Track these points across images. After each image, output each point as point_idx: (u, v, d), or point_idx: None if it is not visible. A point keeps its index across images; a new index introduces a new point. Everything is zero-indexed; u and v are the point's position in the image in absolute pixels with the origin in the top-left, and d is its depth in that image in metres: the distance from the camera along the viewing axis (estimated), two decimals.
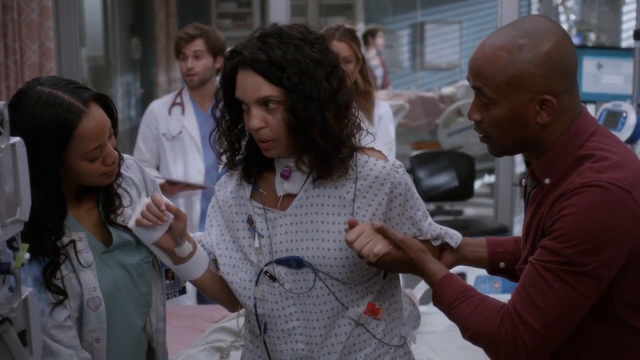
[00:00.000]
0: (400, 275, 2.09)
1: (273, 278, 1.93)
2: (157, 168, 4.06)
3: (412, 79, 10.39)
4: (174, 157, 4.02)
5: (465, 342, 1.82)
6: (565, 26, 8.65)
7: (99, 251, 2.00)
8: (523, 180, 1.88)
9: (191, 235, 2.16)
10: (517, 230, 5.40)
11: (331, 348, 1.94)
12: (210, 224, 2.05)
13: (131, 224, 1.94)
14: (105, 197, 2.03)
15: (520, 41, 1.71)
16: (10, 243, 1.54)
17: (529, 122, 1.73)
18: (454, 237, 2.03)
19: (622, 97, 3.76)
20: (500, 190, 5.07)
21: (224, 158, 2.01)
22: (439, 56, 10.33)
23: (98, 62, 6.91)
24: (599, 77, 4.14)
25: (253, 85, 1.83)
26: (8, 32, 4.26)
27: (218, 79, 4.09)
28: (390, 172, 1.90)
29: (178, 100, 4.07)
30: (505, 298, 3.04)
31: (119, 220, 2.03)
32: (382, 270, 1.94)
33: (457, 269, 2.21)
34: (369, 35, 8.82)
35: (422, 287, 3.53)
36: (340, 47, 3.53)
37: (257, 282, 1.94)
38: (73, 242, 1.95)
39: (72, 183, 1.96)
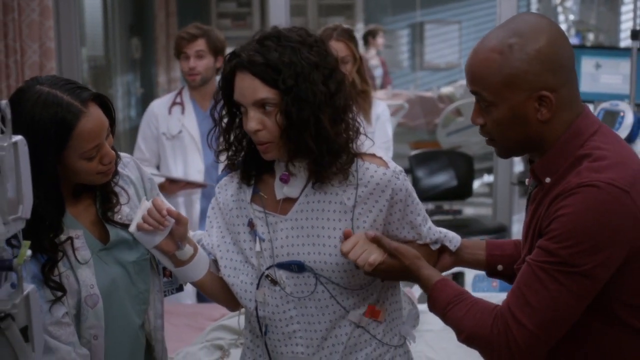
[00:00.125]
0: None
1: (274, 282, 1.93)
2: (157, 167, 4.08)
3: (411, 78, 10.40)
4: (174, 157, 4.03)
5: None
6: (564, 26, 8.66)
7: (97, 249, 2.00)
8: (527, 180, 1.88)
9: (192, 233, 2.17)
10: (516, 229, 5.41)
11: (332, 349, 1.94)
12: (211, 225, 2.05)
13: (132, 228, 1.93)
14: (103, 195, 2.04)
15: (511, 41, 1.70)
16: (9, 240, 1.55)
17: (529, 119, 1.72)
18: (453, 240, 2.03)
19: (620, 97, 3.77)
20: (499, 190, 5.07)
21: (222, 157, 2.01)
22: (439, 56, 10.33)
23: (98, 62, 6.91)
24: (597, 76, 4.15)
25: (250, 88, 1.83)
26: (9, 32, 4.26)
27: (218, 78, 4.13)
28: (391, 178, 1.90)
29: (178, 99, 4.09)
30: (503, 296, 3.05)
31: (116, 218, 2.04)
32: (380, 278, 1.95)
33: (455, 268, 2.22)
34: (369, 35, 8.83)
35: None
36: (337, 47, 3.55)
37: (258, 285, 1.95)
38: (70, 239, 1.95)
39: (69, 181, 1.97)
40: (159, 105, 4.13)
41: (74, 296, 1.95)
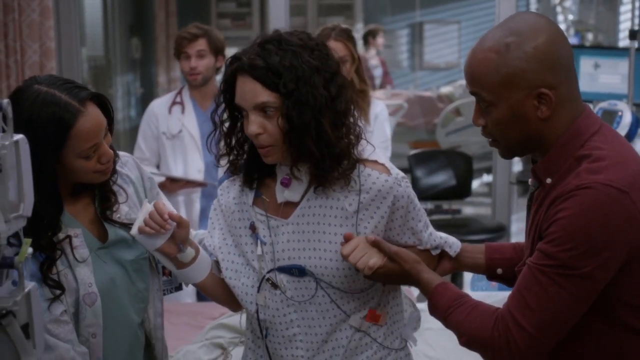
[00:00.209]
0: None
1: (275, 285, 1.93)
2: (157, 166, 4.09)
3: (410, 78, 10.40)
4: (174, 156, 4.04)
5: None
6: (562, 26, 8.66)
7: (95, 247, 2.01)
8: (529, 180, 1.87)
9: (194, 232, 2.16)
10: (515, 228, 5.42)
11: (332, 352, 1.95)
12: (213, 227, 2.04)
13: (134, 231, 1.93)
14: (101, 194, 2.04)
15: (508, 40, 1.70)
16: (7, 239, 1.55)
17: (529, 118, 1.72)
18: (453, 245, 2.03)
19: (618, 97, 3.78)
20: (498, 189, 5.08)
21: (222, 162, 2.01)
22: (438, 56, 10.33)
23: (98, 62, 6.91)
24: (595, 76, 4.17)
25: (251, 91, 1.83)
26: (9, 32, 4.27)
27: (218, 78, 4.14)
28: (393, 185, 1.89)
29: (178, 99, 4.10)
30: (502, 296, 3.07)
31: (115, 217, 2.04)
32: (379, 282, 1.95)
33: None
34: (370, 35, 8.82)
35: None
36: (336, 47, 3.56)
37: (259, 288, 1.95)
38: (69, 237, 1.96)
39: (68, 180, 1.98)
40: (159, 105, 4.14)
41: (73, 294, 1.95)
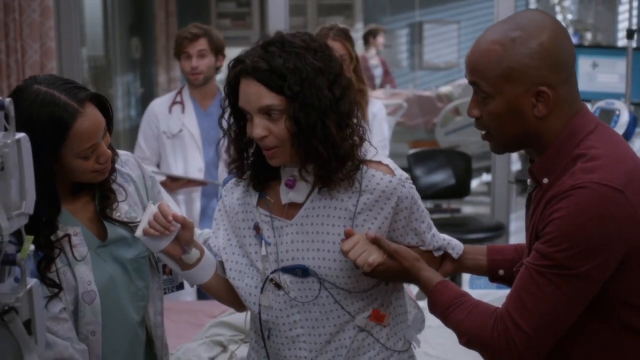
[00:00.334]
0: None
1: (278, 286, 1.93)
2: (158, 165, 4.11)
3: (410, 78, 10.41)
4: (174, 155, 4.06)
5: None
6: None
7: (95, 245, 2.02)
8: (528, 180, 1.86)
9: (199, 232, 2.17)
10: (513, 227, 5.44)
11: (335, 352, 1.94)
12: (217, 227, 2.04)
13: (138, 233, 1.92)
14: (101, 193, 2.05)
15: (514, 34, 1.70)
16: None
17: (526, 115, 1.72)
18: (456, 247, 2.03)
19: (616, 96, 3.79)
20: (497, 189, 5.09)
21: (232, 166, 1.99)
22: (438, 55, 10.34)
23: (98, 62, 6.92)
24: (594, 76, 4.18)
25: (255, 94, 1.82)
26: (9, 32, 4.28)
27: (218, 77, 4.17)
28: (397, 186, 1.89)
29: (178, 98, 4.12)
30: (501, 294, 3.07)
31: (115, 215, 2.05)
32: (378, 279, 1.94)
33: None
34: (370, 35, 8.82)
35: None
36: (334, 47, 3.55)
37: (262, 289, 1.95)
38: (68, 236, 1.97)
39: (66, 179, 1.99)
40: (159, 104, 4.16)
41: (72, 292, 1.96)
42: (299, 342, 1.94)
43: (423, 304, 2.07)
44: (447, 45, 10.26)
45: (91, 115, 1.92)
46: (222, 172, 4.04)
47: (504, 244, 2.12)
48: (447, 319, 1.82)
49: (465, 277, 3.86)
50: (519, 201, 6.11)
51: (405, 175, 1.93)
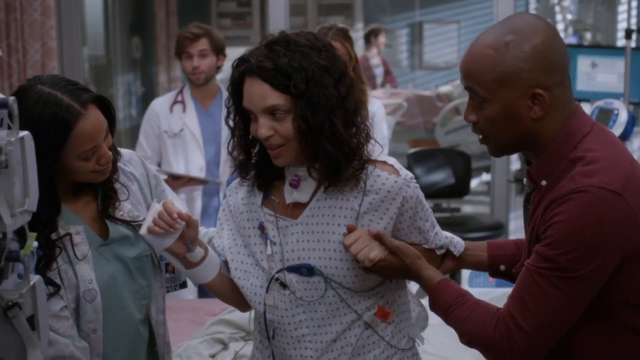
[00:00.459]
0: None
1: (284, 285, 1.92)
2: (159, 164, 4.12)
3: (410, 78, 10.41)
4: (176, 154, 4.08)
5: None
6: (561, 25, 8.66)
7: (97, 244, 2.02)
8: (524, 180, 1.87)
9: (205, 230, 2.16)
10: (513, 226, 5.46)
11: (341, 351, 1.93)
12: (222, 227, 2.03)
13: (143, 231, 1.92)
14: (103, 192, 2.06)
15: (507, 38, 1.71)
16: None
17: (522, 117, 1.73)
18: (457, 245, 2.03)
19: (615, 95, 3.81)
20: (496, 188, 5.11)
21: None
22: (437, 55, 10.34)
23: (99, 61, 6.93)
24: (593, 75, 4.19)
25: (259, 94, 1.81)
26: (11, 32, 4.30)
27: (218, 77, 4.19)
28: (402, 186, 1.90)
29: (179, 98, 4.14)
30: (500, 292, 3.08)
31: (118, 214, 2.06)
32: (380, 276, 1.94)
33: None
34: (372, 34, 8.82)
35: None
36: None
37: (267, 288, 1.94)
38: (69, 234, 1.98)
39: (67, 179, 2.00)
40: (160, 104, 4.18)
41: (73, 291, 1.97)
42: (305, 342, 1.94)
43: (425, 302, 2.08)
44: (447, 45, 10.25)
45: (93, 117, 1.93)
46: (223, 170, 4.06)
47: (504, 240, 2.12)
48: (448, 318, 1.83)
49: (465, 275, 3.87)
50: (519, 200, 6.11)
51: (410, 175, 1.93)
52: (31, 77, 2.02)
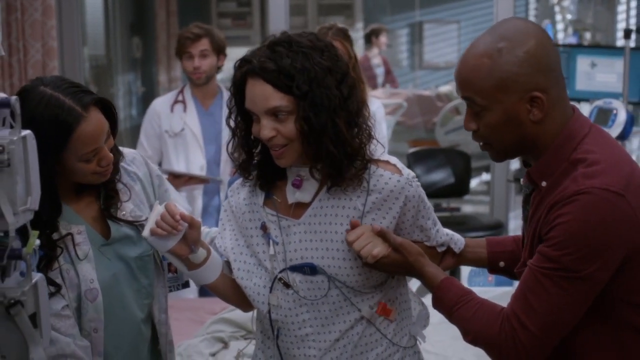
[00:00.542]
0: None
1: (287, 285, 1.92)
2: (159, 164, 4.13)
3: (410, 77, 10.41)
4: (176, 153, 4.09)
5: (459, 333, 1.85)
6: (561, 25, 8.66)
7: (98, 244, 2.03)
8: (522, 180, 1.88)
9: (207, 229, 2.17)
10: (512, 225, 5.46)
11: (343, 349, 1.93)
12: (224, 228, 2.03)
13: (145, 233, 1.92)
14: (105, 192, 2.06)
15: (499, 45, 1.72)
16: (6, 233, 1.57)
17: (522, 121, 1.74)
18: (458, 242, 2.05)
19: (615, 95, 3.81)
20: (496, 187, 5.12)
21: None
22: (437, 55, 10.34)
23: (99, 61, 6.93)
24: (592, 75, 4.19)
25: (261, 95, 1.81)
26: (12, 31, 4.30)
27: (218, 77, 4.20)
28: (405, 186, 1.90)
29: (180, 97, 4.15)
30: (499, 291, 3.08)
31: (120, 214, 2.06)
32: (381, 272, 1.95)
33: None
34: (373, 34, 8.82)
35: (417, 281, 3.57)
36: None
37: (271, 288, 1.94)
38: (70, 234, 1.98)
39: (68, 179, 2.00)
40: (161, 104, 4.19)
41: (74, 290, 1.98)
42: (308, 341, 1.94)
43: (426, 300, 2.09)
44: (447, 45, 10.25)
45: (95, 120, 1.93)
46: (224, 170, 4.07)
47: (503, 237, 2.13)
48: (452, 316, 1.84)
49: (464, 274, 3.87)
50: (518, 200, 6.10)
51: (412, 174, 1.94)
52: (32, 76, 2.03)
